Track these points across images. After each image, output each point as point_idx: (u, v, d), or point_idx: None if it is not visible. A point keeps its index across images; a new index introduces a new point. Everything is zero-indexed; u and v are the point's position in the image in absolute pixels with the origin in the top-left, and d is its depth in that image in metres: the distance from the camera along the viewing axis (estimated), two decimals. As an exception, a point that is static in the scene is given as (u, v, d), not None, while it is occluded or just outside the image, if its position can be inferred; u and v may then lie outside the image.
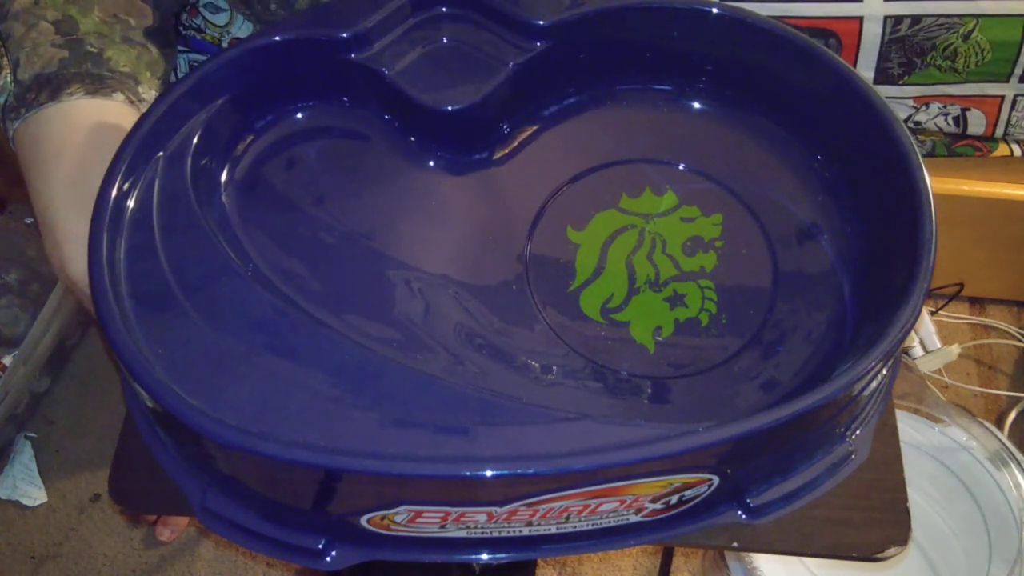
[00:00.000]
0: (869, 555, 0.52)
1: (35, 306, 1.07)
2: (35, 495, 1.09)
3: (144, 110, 0.58)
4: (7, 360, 1.05)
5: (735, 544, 0.51)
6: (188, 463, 0.51)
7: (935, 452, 0.89)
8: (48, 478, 1.10)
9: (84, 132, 0.55)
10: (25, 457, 1.11)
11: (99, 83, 0.57)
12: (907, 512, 0.53)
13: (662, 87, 0.62)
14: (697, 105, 0.62)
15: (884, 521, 0.52)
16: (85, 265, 0.53)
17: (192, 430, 0.43)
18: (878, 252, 0.54)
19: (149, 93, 0.60)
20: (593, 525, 0.48)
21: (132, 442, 0.53)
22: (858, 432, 0.52)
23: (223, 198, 0.55)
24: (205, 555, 1.06)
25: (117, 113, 0.57)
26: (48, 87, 0.56)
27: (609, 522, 0.48)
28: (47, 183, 0.54)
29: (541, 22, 0.57)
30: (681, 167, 0.60)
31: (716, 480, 0.46)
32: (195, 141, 0.53)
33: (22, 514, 1.08)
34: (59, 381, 1.17)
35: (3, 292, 1.02)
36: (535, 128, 0.61)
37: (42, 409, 1.15)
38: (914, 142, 0.52)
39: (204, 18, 0.91)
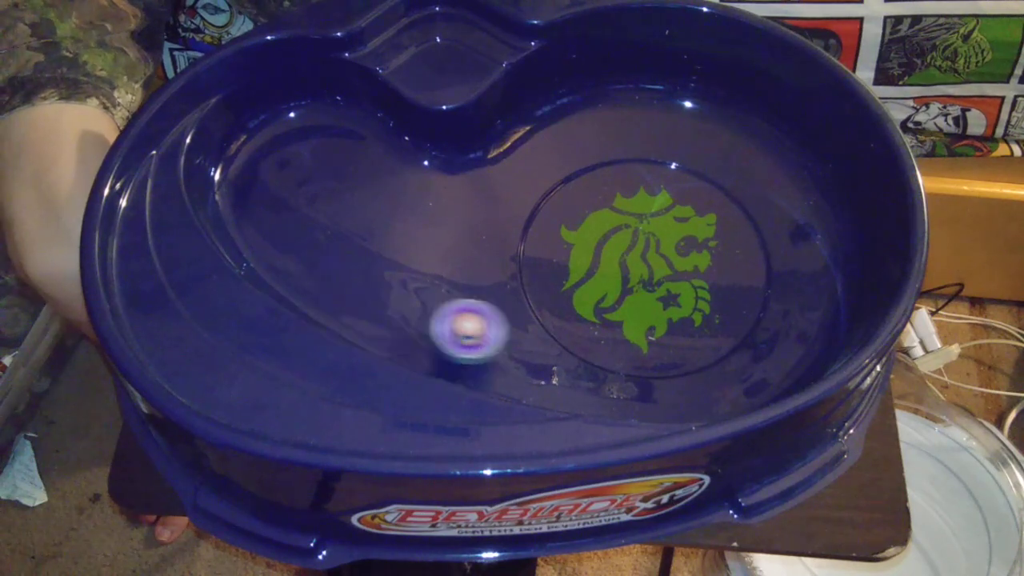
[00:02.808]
0: (869, 555, 0.52)
1: (35, 306, 1.07)
2: (35, 495, 1.09)
3: (119, 115, 0.58)
4: (7, 360, 1.05)
5: (735, 544, 0.51)
6: (180, 462, 0.51)
7: (935, 452, 0.89)
8: (48, 478, 1.11)
9: (51, 134, 0.54)
10: (25, 457, 1.11)
11: (73, 87, 0.56)
12: (907, 512, 0.53)
13: (655, 87, 0.62)
14: (691, 105, 0.61)
15: (884, 521, 0.52)
16: (43, 264, 0.53)
17: (183, 429, 0.43)
18: (871, 251, 0.54)
19: (126, 97, 0.60)
20: (584, 524, 0.48)
21: (132, 442, 0.53)
22: (851, 432, 0.51)
23: (216, 197, 0.55)
24: (205, 555, 1.06)
25: (89, 118, 0.56)
26: (22, 90, 0.55)
27: (600, 521, 0.48)
28: (8, 182, 0.54)
29: (535, 22, 0.57)
30: (675, 167, 0.60)
31: (707, 480, 0.46)
32: (188, 140, 0.53)
33: (22, 514, 1.08)
34: (59, 381, 1.18)
35: (3, 292, 1.02)
36: (529, 128, 0.60)
37: (42, 409, 1.16)
38: (906, 141, 0.52)
39: (203, 19, 0.91)
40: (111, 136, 0.56)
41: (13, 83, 0.56)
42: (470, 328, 0.49)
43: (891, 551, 0.51)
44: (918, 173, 0.50)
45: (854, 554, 0.52)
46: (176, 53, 0.95)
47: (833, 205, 0.57)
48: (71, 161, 0.54)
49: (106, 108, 0.58)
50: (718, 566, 0.90)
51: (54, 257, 0.53)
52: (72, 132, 0.55)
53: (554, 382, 0.51)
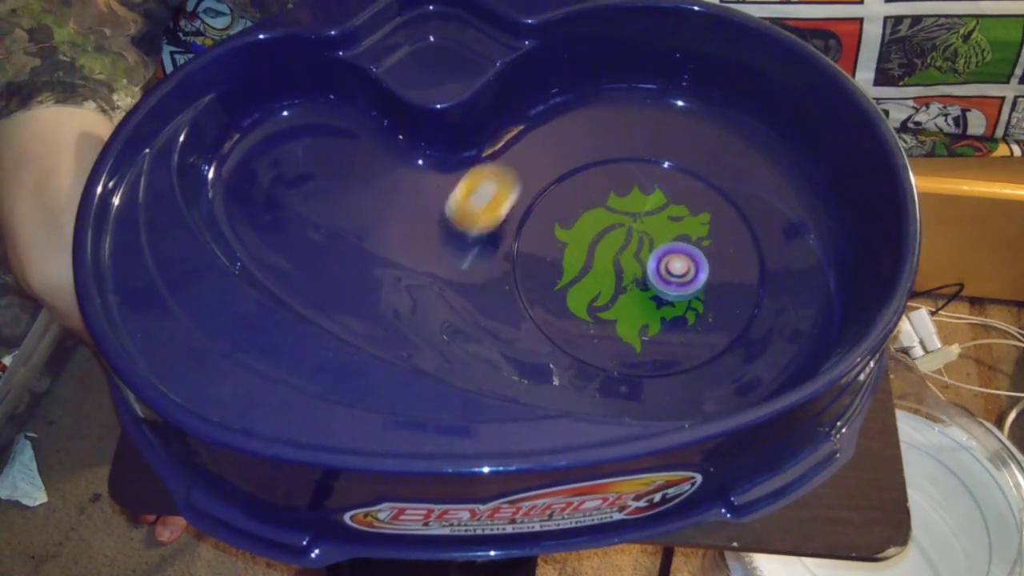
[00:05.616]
0: (869, 555, 0.51)
1: (35, 306, 1.07)
2: (35, 495, 1.09)
3: (118, 118, 0.58)
4: (7, 360, 1.05)
5: (735, 544, 0.51)
6: (173, 460, 0.51)
7: (935, 452, 0.89)
8: (48, 478, 1.11)
9: (50, 139, 0.54)
10: (25, 457, 1.11)
11: (70, 91, 0.56)
12: (907, 512, 0.53)
13: (649, 86, 0.62)
14: (684, 104, 0.61)
15: (884, 521, 0.52)
16: (46, 274, 0.53)
17: (175, 426, 0.43)
18: (864, 250, 0.53)
19: (125, 100, 0.59)
20: (576, 523, 0.48)
21: (132, 442, 0.53)
22: (843, 431, 0.51)
23: (209, 195, 0.55)
24: (205, 555, 1.06)
25: (87, 121, 0.56)
26: (19, 95, 0.55)
27: (592, 520, 0.48)
28: (8, 190, 0.54)
29: (529, 20, 0.57)
30: (668, 166, 0.60)
31: (699, 478, 0.46)
32: (181, 138, 0.53)
33: (22, 514, 1.08)
34: (59, 381, 1.18)
35: (3, 292, 1.02)
36: (523, 126, 0.61)
37: (42, 409, 1.16)
38: (906, 141, 0.52)
39: (204, 22, 0.91)
40: None
41: (10, 88, 0.56)
42: (679, 267, 0.53)
43: (891, 551, 0.51)
44: (910, 172, 0.50)
45: (854, 554, 0.52)
46: (178, 56, 0.95)
47: (826, 203, 0.57)
48: (71, 169, 0.54)
49: (104, 111, 0.58)
50: (718, 566, 0.90)
51: (56, 267, 0.53)
52: (71, 138, 0.55)
53: (547, 380, 0.51)
